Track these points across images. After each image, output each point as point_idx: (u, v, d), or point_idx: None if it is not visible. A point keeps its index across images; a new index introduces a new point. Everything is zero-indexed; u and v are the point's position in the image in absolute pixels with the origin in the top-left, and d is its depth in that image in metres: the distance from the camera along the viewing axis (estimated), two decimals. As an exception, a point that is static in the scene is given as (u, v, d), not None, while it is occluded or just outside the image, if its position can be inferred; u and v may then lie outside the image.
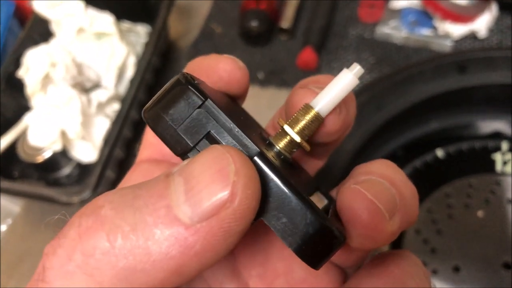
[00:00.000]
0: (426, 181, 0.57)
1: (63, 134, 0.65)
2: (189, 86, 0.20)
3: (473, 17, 0.69)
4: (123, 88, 0.72)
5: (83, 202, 0.59)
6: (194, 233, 0.17)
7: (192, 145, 0.20)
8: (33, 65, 0.67)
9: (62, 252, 0.18)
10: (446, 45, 0.70)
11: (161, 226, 0.17)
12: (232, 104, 0.26)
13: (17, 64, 0.70)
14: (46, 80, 0.67)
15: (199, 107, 0.20)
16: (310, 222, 0.20)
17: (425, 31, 0.71)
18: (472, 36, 0.70)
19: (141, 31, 0.77)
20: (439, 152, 0.58)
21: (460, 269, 0.50)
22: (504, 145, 0.57)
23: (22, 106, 0.71)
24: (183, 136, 0.20)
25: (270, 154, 0.21)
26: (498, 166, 0.56)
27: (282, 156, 0.23)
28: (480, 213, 0.53)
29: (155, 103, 0.21)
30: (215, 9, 0.82)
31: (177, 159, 0.27)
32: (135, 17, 0.77)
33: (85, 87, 0.70)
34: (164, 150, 0.28)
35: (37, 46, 0.69)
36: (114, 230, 0.18)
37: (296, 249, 0.20)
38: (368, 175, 0.23)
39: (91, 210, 0.18)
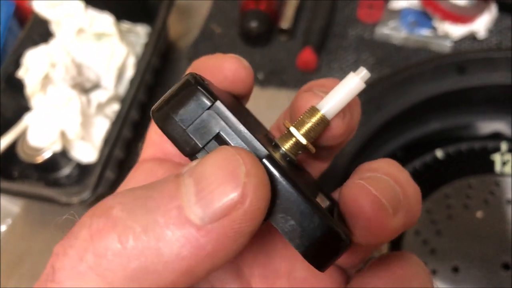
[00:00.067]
0: (426, 181, 0.57)
1: (63, 135, 0.65)
2: (199, 87, 0.21)
3: (473, 18, 0.69)
4: (122, 88, 0.72)
5: (83, 203, 0.59)
6: (205, 234, 0.18)
7: (201, 146, 0.21)
8: (32, 66, 0.67)
9: (73, 252, 0.18)
10: (446, 46, 0.70)
11: (172, 227, 0.18)
12: (237, 104, 0.26)
13: (17, 64, 0.70)
14: (46, 80, 0.67)
15: (209, 108, 0.20)
16: (318, 225, 0.20)
17: (425, 32, 0.72)
18: (472, 36, 0.71)
19: (140, 32, 0.77)
20: (439, 153, 0.59)
21: (460, 270, 0.50)
22: (504, 146, 0.58)
23: (21, 107, 0.71)
24: (192, 136, 0.20)
25: (276, 156, 0.21)
26: (498, 167, 0.57)
27: (288, 158, 0.23)
28: (479, 214, 0.53)
29: (164, 103, 0.21)
30: (215, 10, 0.82)
31: (180, 158, 0.27)
32: (135, 18, 0.77)
33: (84, 88, 0.70)
34: (166, 149, 0.28)
35: (37, 46, 0.69)
36: (126, 231, 0.18)
37: (303, 251, 0.20)
38: (373, 172, 0.24)
39: (102, 211, 0.19)
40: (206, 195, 0.18)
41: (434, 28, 0.72)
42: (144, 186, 0.19)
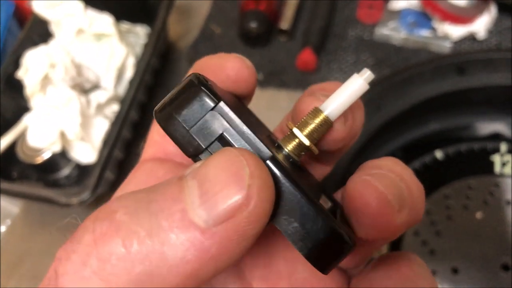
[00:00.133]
0: (425, 182, 0.56)
1: (62, 135, 0.65)
2: (202, 88, 0.20)
3: (472, 19, 0.69)
4: (122, 89, 0.72)
5: (82, 203, 0.59)
6: (209, 237, 0.17)
7: (204, 147, 0.20)
8: (32, 66, 0.67)
9: (77, 257, 0.18)
10: (445, 46, 0.70)
11: (176, 231, 0.17)
12: (240, 105, 0.26)
13: (16, 65, 0.70)
14: (45, 81, 0.67)
15: (212, 109, 0.20)
16: (321, 227, 0.20)
17: (424, 32, 0.72)
18: (471, 37, 0.71)
19: (140, 32, 0.77)
20: (438, 154, 0.59)
21: (459, 271, 0.50)
22: (503, 147, 0.58)
23: (21, 107, 0.71)
24: (195, 137, 0.20)
25: (280, 157, 0.21)
26: (497, 168, 0.57)
27: (291, 159, 0.23)
28: (479, 215, 0.53)
29: (168, 103, 0.21)
30: (215, 10, 0.82)
31: (181, 158, 0.27)
32: (135, 18, 0.77)
33: (84, 88, 0.70)
34: (168, 148, 0.28)
35: (37, 46, 0.69)
36: (130, 236, 0.17)
37: (306, 253, 0.20)
38: (378, 169, 0.24)
39: (105, 215, 0.18)
40: (210, 198, 0.18)
41: (433, 29, 0.72)
42: (146, 189, 0.19)
